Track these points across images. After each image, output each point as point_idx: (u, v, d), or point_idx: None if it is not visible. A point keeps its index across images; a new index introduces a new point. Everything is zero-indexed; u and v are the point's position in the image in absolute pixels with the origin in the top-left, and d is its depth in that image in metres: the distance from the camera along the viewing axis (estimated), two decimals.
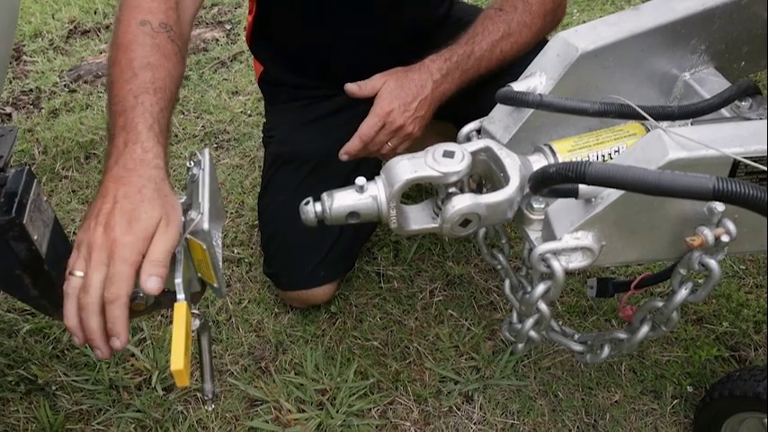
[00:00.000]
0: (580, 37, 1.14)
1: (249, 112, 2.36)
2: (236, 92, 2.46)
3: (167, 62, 1.09)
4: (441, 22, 1.68)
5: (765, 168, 0.90)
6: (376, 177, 1.07)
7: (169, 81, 1.07)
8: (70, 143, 2.23)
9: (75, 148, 2.21)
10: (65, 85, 2.53)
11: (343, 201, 1.05)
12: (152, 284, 0.88)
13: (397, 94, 1.40)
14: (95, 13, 2.90)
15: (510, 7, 1.44)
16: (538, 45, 1.33)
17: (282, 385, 1.55)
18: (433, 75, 1.40)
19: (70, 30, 2.81)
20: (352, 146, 1.41)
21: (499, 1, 1.47)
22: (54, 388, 1.56)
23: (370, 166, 1.52)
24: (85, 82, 2.52)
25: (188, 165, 1.04)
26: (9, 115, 2.36)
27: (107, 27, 2.79)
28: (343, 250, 1.67)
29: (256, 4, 1.68)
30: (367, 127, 1.39)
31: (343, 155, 1.43)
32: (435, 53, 1.42)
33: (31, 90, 2.51)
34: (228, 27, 2.78)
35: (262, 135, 1.83)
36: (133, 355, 1.61)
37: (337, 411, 1.50)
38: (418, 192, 1.87)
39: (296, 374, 1.58)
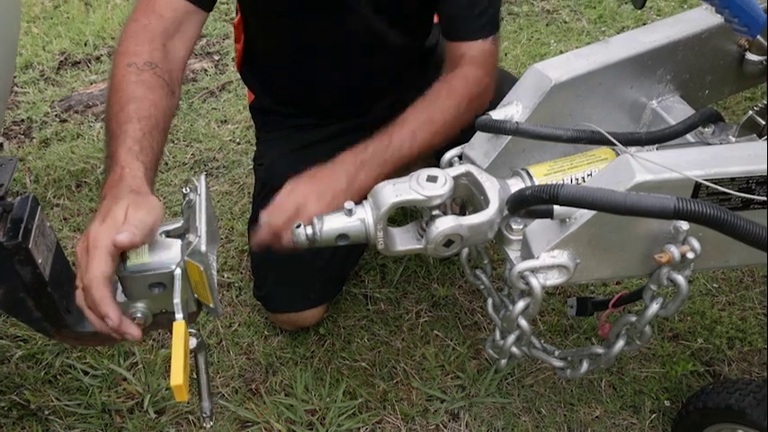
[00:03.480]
0: (553, 68, 1.20)
1: (238, 140, 2.41)
2: (225, 120, 2.51)
3: (152, 94, 1.17)
4: (429, 52, 1.72)
5: (725, 190, 0.97)
6: (363, 201, 1.11)
7: (154, 110, 1.16)
8: (61, 172, 2.27)
9: (67, 176, 2.25)
10: (56, 115, 2.56)
11: (332, 224, 1.10)
12: (121, 237, 0.92)
13: (310, 185, 1.27)
14: (85, 44, 2.94)
15: (433, 94, 1.39)
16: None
17: (273, 406, 1.59)
18: (347, 168, 1.29)
19: (61, 61, 2.85)
20: (261, 236, 1.23)
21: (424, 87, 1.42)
22: (47, 413, 1.59)
23: None
24: (76, 112, 2.56)
25: (184, 191, 1.09)
26: (0, 145, 2.40)
27: (97, 58, 2.83)
28: (331, 274, 1.72)
29: (244, 33, 1.74)
30: (277, 215, 1.22)
31: (254, 246, 1.28)
32: (350, 149, 1.33)
33: (22, 120, 2.54)
34: (217, 58, 2.84)
35: (252, 162, 1.88)
36: (125, 378, 1.64)
37: (327, 431, 1.54)
38: (403, 215, 1.92)
39: (286, 396, 1.62)
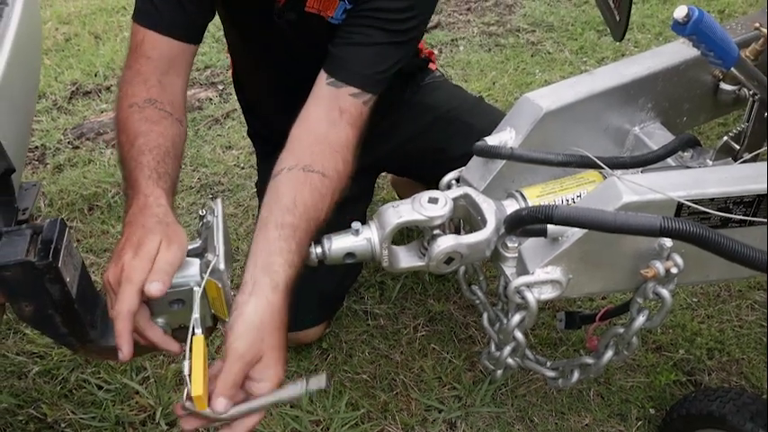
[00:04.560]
0: (544, 97, 1.28)
1: (242, 164, 2.50)
2: (230, 146, 2.60)
3: (157, 126, 1.24)
4: (403, 103, 1.76)
5: (705, 209, 1.04)
6: (369, 222, 1.19)
7: (162, 139, 1.22)
8: (74, 196, 2.35)
9: (79, 200, 2.33)
10: (68, 142, 2.64)
11: (340, 243, 1.17)
12: (153, 288, 0.98)
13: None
14: (96, 75, 3.05)
15: (333, 172, 1.24)
16: None
17: (279, 417, 1.65)
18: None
19: (72, 91, 2.95)
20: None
21: (318, 160, 1.24)
22: (63, 426, 1.64)
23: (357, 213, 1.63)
24: (88, 139, 2.65)
25: (201, 213, 1.17)
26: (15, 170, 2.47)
27: (107, 88, 2.93)
28: (330, 295, 1.80)
29: (231, 58, 1.82)
30: (226, 379, 1.02)
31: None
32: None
33: (36, 147, 2.62)
34: (221, 87, 2.94)
35: (255, 186, 1.96)
36: (137, 392, 1.71)
37: None
38: (400, 235, 2.00)
39: (291, 407, 1.68)
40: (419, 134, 1.74)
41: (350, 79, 1.32)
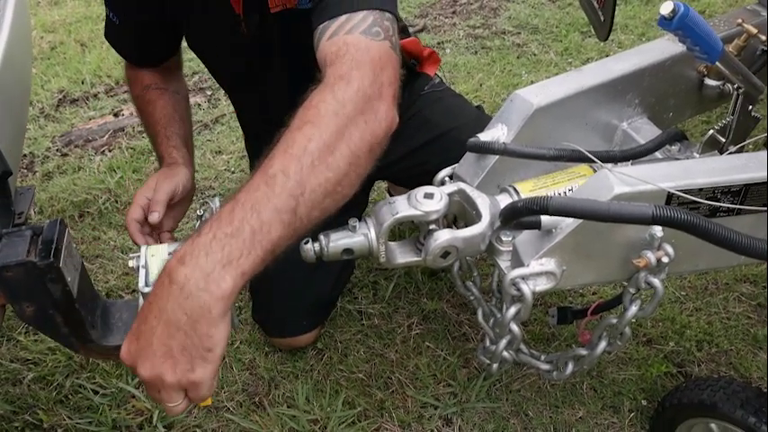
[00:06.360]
0: (534, 94, 1.31)
1: (233, 169, 2.51)
2: (220, 151, 2.62)
3: (159, 100, 1.59)
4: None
5: (694, 199, 1.07)
6: (366, 218, 1.20)
7: (165, 110, 1.57)
8: (65, 203, 2.35)
9: (70, 207, 2.33)
10: (57, 150, 2.65)
11: (338, 240, 1.18)
12: (151, 216, 1.37)
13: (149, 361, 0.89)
14: (83, 82, 3.06)
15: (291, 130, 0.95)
16: None
17: (276, 418, 1.67)
18: (188, 291, 0.84)
19: (60, 99, 2.96)
20: None
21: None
22: (59, 431, 1.65)
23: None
24: (76, 146, 2.65)
25: (198, 213, 1.19)
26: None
27: (95, 96, 2.94)
28: (322, 301, 1.82)
29: None
30: None
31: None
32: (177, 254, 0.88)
33: (24, 155, 2.62)
34: (209, 93, 2.95)
35: None
36: (134, 396, 1.71)
37: None
38: (391, 234, 2.02)
39: (288, 407, 1.70)
40: (420, 149, 1.75)
41: (338, 11, 1.05)
